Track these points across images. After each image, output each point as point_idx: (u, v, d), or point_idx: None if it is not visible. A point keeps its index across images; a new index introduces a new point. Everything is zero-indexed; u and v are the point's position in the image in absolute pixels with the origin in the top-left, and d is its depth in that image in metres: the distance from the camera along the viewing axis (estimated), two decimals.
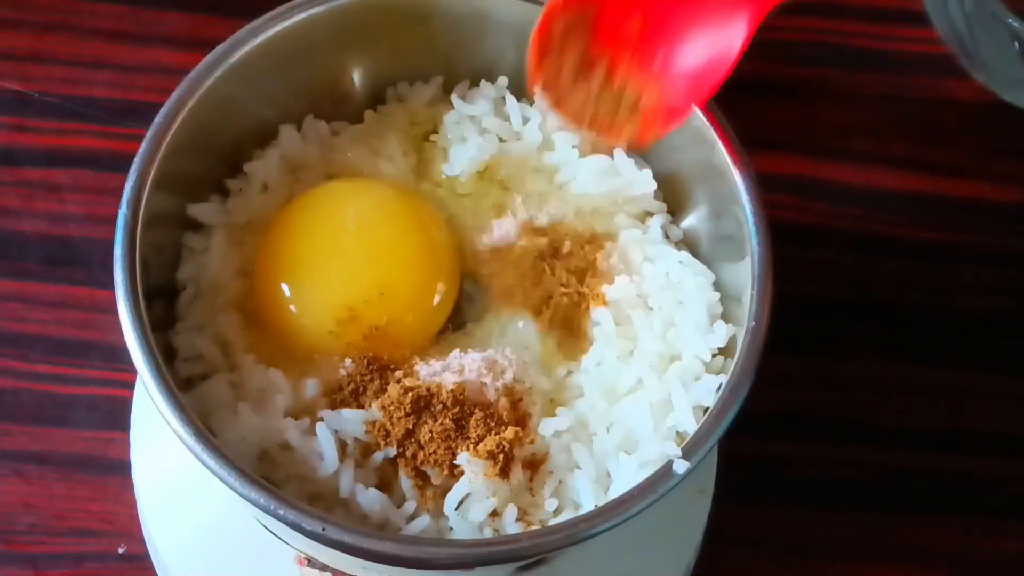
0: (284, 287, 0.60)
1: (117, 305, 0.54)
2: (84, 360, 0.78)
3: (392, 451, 0.56)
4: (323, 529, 0.50)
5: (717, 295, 0.61)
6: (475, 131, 0.66)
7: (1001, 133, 0.90)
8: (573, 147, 0.65)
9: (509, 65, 0.67)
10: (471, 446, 0.55)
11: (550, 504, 0.56)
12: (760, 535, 0.75)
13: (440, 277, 0.61)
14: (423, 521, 0.55)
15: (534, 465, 0.57)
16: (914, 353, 0.82)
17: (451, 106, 0.67)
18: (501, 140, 0.66)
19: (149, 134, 0.58)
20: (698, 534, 0.68)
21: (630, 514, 0.51)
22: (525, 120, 0.66)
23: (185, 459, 0.52)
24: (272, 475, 0.56)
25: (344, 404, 0.58)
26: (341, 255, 0.61)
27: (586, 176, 0.64)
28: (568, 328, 0.61)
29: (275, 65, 0.63)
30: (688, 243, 0.65)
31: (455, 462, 0.55)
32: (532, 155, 0.66)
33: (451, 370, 0.58)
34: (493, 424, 0.56)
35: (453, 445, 0.56)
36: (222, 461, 0.51)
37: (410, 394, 0.56)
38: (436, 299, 0.61)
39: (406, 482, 0.56)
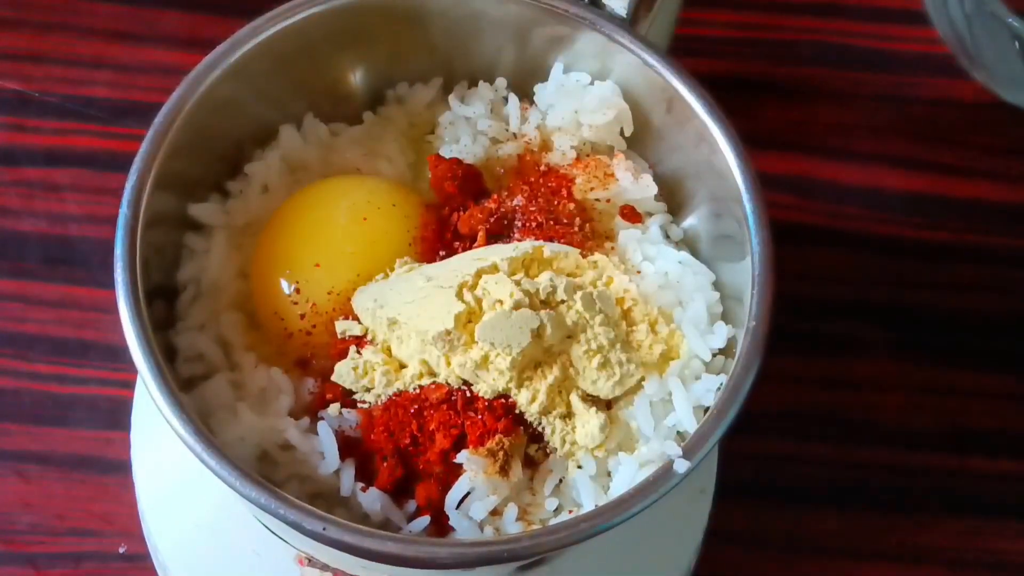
0: (280, 287, 0.60)
1: (118, 305, 0.54)
2: (84, 360, 0.78)
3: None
4: (324, 529, 0.50)
5: (717, 295, 0.61)
6: (469, 132, 0.66)
7: (1001, 133, 0.90)
8: (572, 147, 0.65)
9: (508, 66, 0.68)
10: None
11: (550, 503, 0.56)
12: (761, 534, 0.76)
13: None
14: (424, 520, 0.55)
15: (534, 464, 0.57)
16: (914, 353, 0.82)
17: (450, 107, 0.67)
18: (497, 142, 0.66)
19: (149, 134, 0.58)
20: (699, 533, 0.68)
21: (630, 514, 0.51)
22: (524, 120, 0.66)
23: (185, 459, 0.52)
24: (273, 475, 0.56)
25: (344, 403, 0.58)
26: (334, 252, 0.61)
27: (585, 179, 0.64)
28: None
29: (275, 65, 0.63)
30: (688, 243, 0.65)
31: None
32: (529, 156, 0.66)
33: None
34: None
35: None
36: (222, 461, 0.51)
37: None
38: None
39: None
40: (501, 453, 0.55)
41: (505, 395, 0.56)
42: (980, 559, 0.77)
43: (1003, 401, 0.81)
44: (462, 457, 0.55)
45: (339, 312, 0.59)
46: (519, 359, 0.55)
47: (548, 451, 0.57)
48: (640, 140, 0.66)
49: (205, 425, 0.53)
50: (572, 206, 0.63)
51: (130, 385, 0.72)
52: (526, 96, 0.68)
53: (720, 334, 0.59)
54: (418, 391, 0.56)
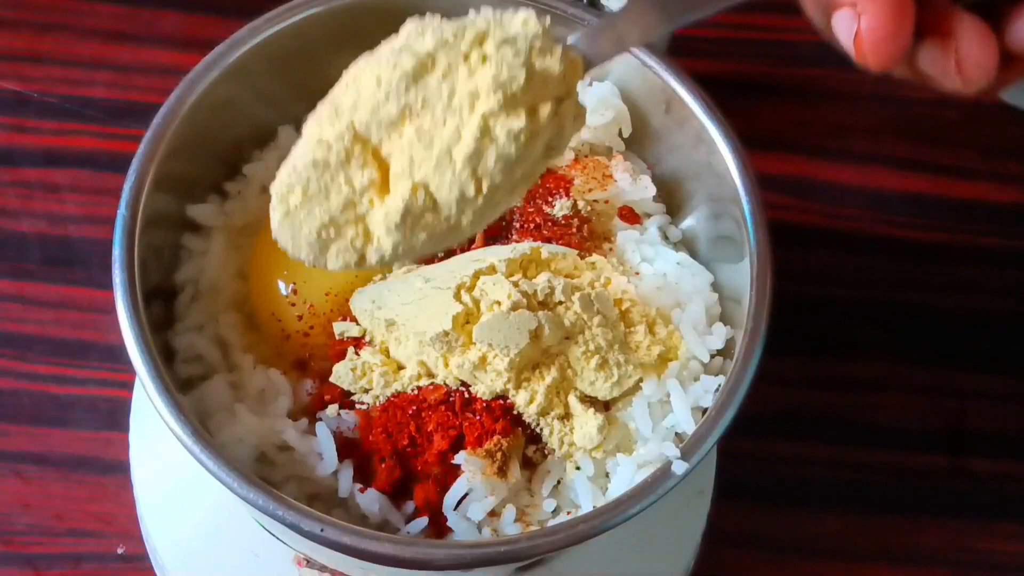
0: (278, 288, 0.60)
1: (116, 306, 0.54)
2: (83, 361, 0.78)
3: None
4: (322, 530, 0.50)
5: (715, 296, 0.61)
6: None
7: (1001, 133, 0.90)
8: (570, 148, 0.65)
9: None
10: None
11: (548, 504, 0.56)
12: (759, 535, 0.75)
13: None
14: (422, 522, 0.55)
15: (532, 465, 0.57)
16: (914, 353, 0.82)
17: None
18: None
19: (148, 134, 0.58)
20: (697, 534, 0.68)
21: (629, 515, 0.51)
22: None
23: (184, 460, 0.52)
24: (271, 476, 0.56)
25: (342, 404, 0.58)
26: None
27: (583, 180, 0.64)
28: None
29: (274, 66, 0.63)
30: (687, 244, 0.65)
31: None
32: None
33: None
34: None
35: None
36: (220, 462, 0.51)
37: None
38: None
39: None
40: (499, 454, 0.55)
41: (503, 396, 0.56)
42: (980, 560, 0.76)
43: (1003, 401, 0.81)
44: (460, 458, 0.55)
45: (337, 313, 0.59)
46: (517, 360, 0.55)
47: (546, 452, 0.57)
48: (638, 141, 0.66)
49: (203, 426, 0.53)
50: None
51: (129, 386, 0.72)
52: None
53: (718, 335, 0.59)
54: (416, 392, 0.56)
